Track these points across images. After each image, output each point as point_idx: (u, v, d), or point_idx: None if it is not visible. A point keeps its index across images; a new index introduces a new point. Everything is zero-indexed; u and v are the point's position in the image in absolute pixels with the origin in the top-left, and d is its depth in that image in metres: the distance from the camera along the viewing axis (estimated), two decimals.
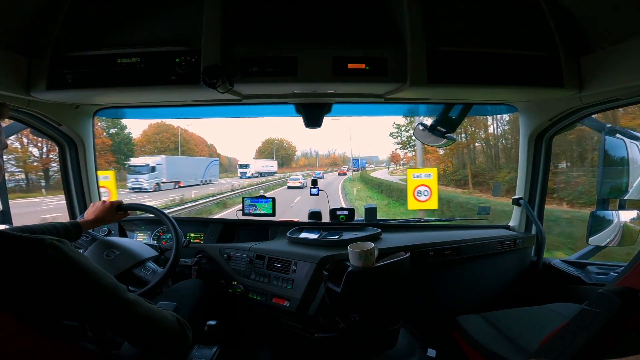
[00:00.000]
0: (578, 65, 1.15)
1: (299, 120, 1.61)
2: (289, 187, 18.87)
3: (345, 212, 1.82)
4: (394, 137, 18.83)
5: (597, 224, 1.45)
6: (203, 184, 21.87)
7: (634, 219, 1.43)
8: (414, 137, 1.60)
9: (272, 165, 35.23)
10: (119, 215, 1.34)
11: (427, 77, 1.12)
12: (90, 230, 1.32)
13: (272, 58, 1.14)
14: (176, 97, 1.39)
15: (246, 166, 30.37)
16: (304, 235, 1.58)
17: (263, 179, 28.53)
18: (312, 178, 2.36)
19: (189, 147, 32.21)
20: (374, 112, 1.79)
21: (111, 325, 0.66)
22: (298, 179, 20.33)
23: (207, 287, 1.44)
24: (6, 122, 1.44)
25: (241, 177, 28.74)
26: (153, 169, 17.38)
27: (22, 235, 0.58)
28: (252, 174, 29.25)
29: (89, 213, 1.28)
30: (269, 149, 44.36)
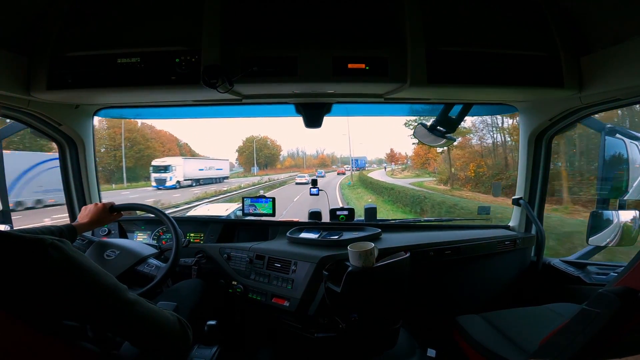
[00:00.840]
0: (578, 65, 1.15)
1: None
2: (297, 183, 22.16)
3: (345, 212, 1.81)
4: (411, 127, 15.79)
5: (597, 223, 1.45)
6: None
7: (633, 219, 1.43)
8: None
9: (220, 166, 22.71)
10: (114, 216, 1.34)
11: (427, 77, 1.12)
12: (90, 232, 1.32)
13: (272, 58, 1.14)
14: (176, 97, 1.39)
15: (165, 169, 17.33)
16: (304, 235, 1.58)
17: (199, 190, 17.08)
18: (312, 178, 2.36)
19: (148, 146, 24.30)
20: (374, 112, 1.78)
21: (112, 325, 0.66)
22: (304, 176, 24.65)
23: (207, 287, 1.44)
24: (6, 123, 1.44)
25: (157, 188, 17.00)
26: None
27: (22, 235, 0.58)
28: (179, 181, 17.58)
29: (83, 216, 1.28)
30: (250, 148, 38.69)
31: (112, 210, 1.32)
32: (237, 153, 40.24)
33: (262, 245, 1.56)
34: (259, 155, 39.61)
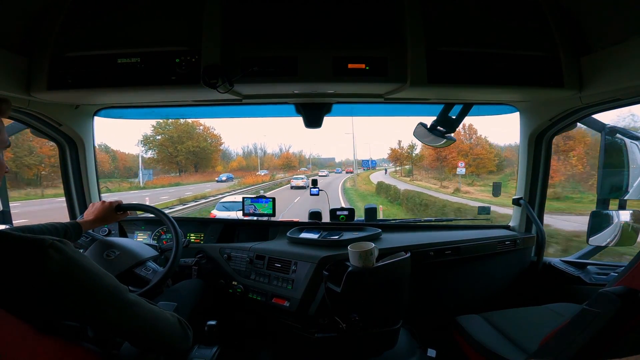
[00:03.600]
0: (578, 65, 1.15)
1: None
2: (320, 176, 22.86)
3: (346, 212, 1.82)
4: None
5: (597, 223, 1.45)
6: None
7: (633, 219, 1.43)
8: None
9: None
10: (119, 215, 1.34)
11: (427, 77, 1.12)
12: (90, 231, 1.32)
13: (272, 58, 1.14)
14: (176, 97, 1.39)
15: None
16: (304, 235, 1.58)
17: None
18: (312, 178, 2.36)
19: None
20: (374, 112, 1.79)
21: (112, 325, 0.66)
22: (324, 171, 25.99)
23: (207, 287, 1.44)
24: (6, 122, 1.44)
25: None
26: None
27: (22, 236, 0.58)
28: None
29: (89, 213, 1.28)
30: (161, 139, 23.79)
31: (118, 210, 1.32)
32: (142, 147, 23.50)
33: (263, 245, 1.56)
34: (176, 150, 23.67)
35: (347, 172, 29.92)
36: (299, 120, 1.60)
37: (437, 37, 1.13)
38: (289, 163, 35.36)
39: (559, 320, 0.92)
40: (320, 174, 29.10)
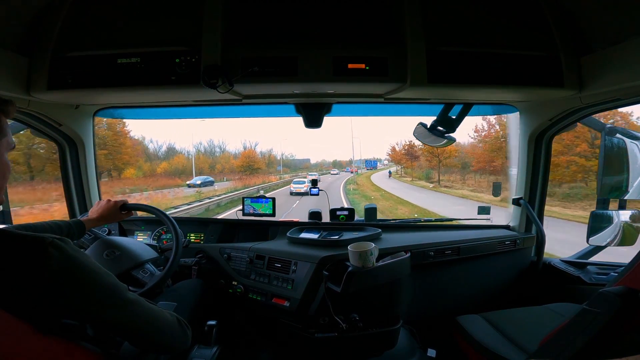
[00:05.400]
0: (578, 65, 1.15)
1: None
2: (332, 174, 24.71)
3: (346, 212, 1.81)
4: None
5: (597, 224, 1.45)
6: None
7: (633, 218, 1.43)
8: None
9: None
10: (123, 214, 1.33)
11: (427, 77, 1.12)
12: (92, 229, 1.32)
13: (272, 58, 1.14)
14: (176, 97, 1.39)
15: None
16: (304, 235, 1.58)
17: None
18: (313, 178, 2.36)
19: None
20: (374, 112, 1.78)
21: (111, 324, 0.66)
22: (335, 170, 29.33)
23: (207, 287, 1.44)
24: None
25: None
26: None
27: (23, 234, 0.58)
28: None
29: (93, 211, 1.27)
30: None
31: (123, 209, 1.32)
32: None
33: (263, 245, 1.56)
34: (20, 142, 8.43)
35: (352, 173, 25.36)
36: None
37: (437, 37, 1.13)
38: (251, 164, 25.14)
39: (559, 320, 0.92)
40: (332, 172, 31.53)
